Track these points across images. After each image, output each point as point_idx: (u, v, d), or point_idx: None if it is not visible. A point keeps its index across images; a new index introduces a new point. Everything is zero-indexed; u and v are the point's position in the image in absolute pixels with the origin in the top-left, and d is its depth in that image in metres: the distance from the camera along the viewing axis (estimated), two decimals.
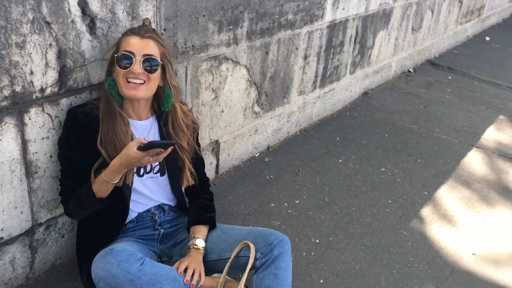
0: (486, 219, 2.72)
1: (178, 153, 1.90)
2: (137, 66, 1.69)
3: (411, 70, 5.01)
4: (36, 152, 1.82)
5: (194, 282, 1.72)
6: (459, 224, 2.65)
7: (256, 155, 3.09)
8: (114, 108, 1.76)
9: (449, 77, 4.95)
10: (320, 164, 3.08)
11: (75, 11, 1.77)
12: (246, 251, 1.85)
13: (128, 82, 1.71)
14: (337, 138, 3.43)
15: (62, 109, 1.85)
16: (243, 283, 1.74)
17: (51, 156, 1.87)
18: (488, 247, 2.49)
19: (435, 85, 4.69)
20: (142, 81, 1.72)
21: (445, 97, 4.41)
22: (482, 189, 3.01)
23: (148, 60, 1.71)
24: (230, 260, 1.85)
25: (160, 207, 2.01)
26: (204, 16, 2.34)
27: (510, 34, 7.11)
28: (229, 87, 2.67)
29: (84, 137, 1.75)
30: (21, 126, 1.74)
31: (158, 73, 1.75)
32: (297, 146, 3.27)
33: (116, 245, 1.74)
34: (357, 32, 3.73)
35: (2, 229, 1.80)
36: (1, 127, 1.67)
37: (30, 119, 1.76)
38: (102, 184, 1.70)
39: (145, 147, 1.59)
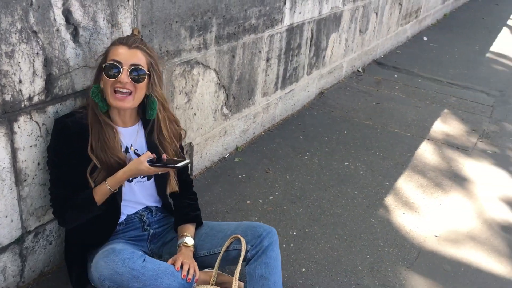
0: (443, 204, 2.96)
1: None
2: (124, 76, 1.74)
3: (360, 70, 5.27)
4: (25, 160, 1.83)
5: (190, 276, 1.79)
6: (420, 209, 2.87)
7: (226, 156, 3.19)
8: (101, 116, 1.81)
9: (396, 76, 5.26)
10: (288, 161, 3.22)
11: (60, 20, 1.81)
12: (236, 245, 1.94)
13: (116, 92, 1.75)
14: (300, 136, 3.59)
15: (49, 117, 1.88)
16: (238, 274, 1.83)
17: (39, 164, 1.89)
18: (448, 229, 2.72)
19: (383, 83, 4.97)
20: (129, 91, 1.76)
21: (394, 94, 4.69)
22: (436, 177, 3.26)
23: (135, 70, 1.75)
24: (221, 254, 1.94)
25: (147, 208, 2.07)
26: (176, 22, 2.42)
27: (444, 34, 7.58)
28: (200, 90, 2.76)
29: (75, 145, 1.78)
30: (10, 135, 1.75)
31: (145, 82, 1.80)
32: (264, 145, 3.40)
33: (116, 245, 1.80)
34: (312, 35, 3.92)
35: None
36: None
37: (19, 127, 1.78)
38: (104, 194, 1.77)
39: (158, 165, 1.74)
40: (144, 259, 1.70)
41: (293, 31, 3.60)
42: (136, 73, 1.76)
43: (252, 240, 1.91)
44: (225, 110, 3.06)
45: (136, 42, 1.80)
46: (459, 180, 3.27)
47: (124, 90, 1.76)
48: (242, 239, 1.90)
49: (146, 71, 1.78)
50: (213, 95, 2.89)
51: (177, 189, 2.04)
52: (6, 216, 1.82)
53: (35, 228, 1.96)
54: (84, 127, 1.80)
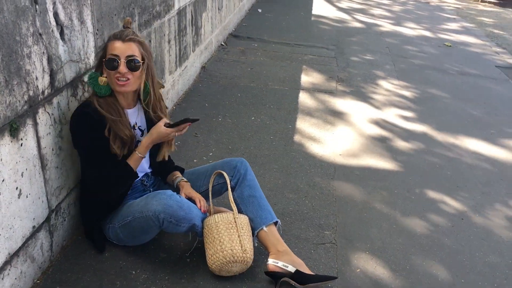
0: (334, 133, 3.82)
1: None
2: (123, 67, 2.11)
3: (223, 43, 5.92)
4: (45, 147, 2.10)
5: (204, 209, 2.30)
6: (321, 140, 3.69)
7: None
8: (113, 102, 2.17)
9: (254, 44, 6.04)
10: (208, 125, 3.75)
11: (53, 21, 2.09)
12: (218, 180, 2.45)
13: (118, 80, 2.13)
14: (206, 104, 4.13)
15: (55, 107, 2.16)
16: (232, 198, 2.36)
17: (52, 149, 2.16)
18: (346, 149, 3.58)
19: (247, 52, 5.71)
20: (127, 78, 2.13)
21: (260, 59, 5.46)
22: (320, 116, 4.12)
23: (131, 61, 2.12)
24: (210, 189, 2.44)
25: (145, 174, 2.47)
26: (115, 15, 2.76)
27: (271, 5, 8.63)
28: None
29: (99, 130, 2.13)
30: (35, 126, 2.02)
31: (140, 70, 2.17)
32: (181, 117, 3.85)
33: (143, 196, 2.22)
34: (192, 16, 4.43)
35: (34, 218, 2.06)
36: (25, 128, 1.95)
37: (39, 118, 2.04)
38: (137, 161, 2.18)
39: (172, 125, 2.17)
40: (179, 196, 2.16)
41: (181, 14, 4.08)
42: (132, 63, 2.13)
43: (230, 172, 2.44)
44: None
45: (129, 35, 2.16)
46: (337, 114, 4.18)
47: (124, 78, 2.13)
48: (223, 173, 2.42)
49: (140, 60, 2.16)
50: None
51: (166, 158, 2.46)
52: (39, 198, 2.09)
53: (56, 207, 2.24)
54: (101, 114, 2.13)
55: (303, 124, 3.92)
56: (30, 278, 2.09)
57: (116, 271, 2.23)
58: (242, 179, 2.42)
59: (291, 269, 2.17)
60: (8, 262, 1.90)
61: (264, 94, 4.47)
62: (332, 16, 8.27)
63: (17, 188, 1.92)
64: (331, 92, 4.66)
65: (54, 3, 2.09)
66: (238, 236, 2.17)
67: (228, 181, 2.38)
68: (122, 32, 2.18)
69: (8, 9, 1.77)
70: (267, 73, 5.03)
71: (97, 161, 2.14)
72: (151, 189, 2.47)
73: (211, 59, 5.27)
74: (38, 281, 2.12)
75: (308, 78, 4.99)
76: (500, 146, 3.88)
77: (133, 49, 2.15)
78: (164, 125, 2.20)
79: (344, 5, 9.53)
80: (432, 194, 3.09)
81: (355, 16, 8.56)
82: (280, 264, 2.19)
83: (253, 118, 3.95)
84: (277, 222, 2.35)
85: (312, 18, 7.98)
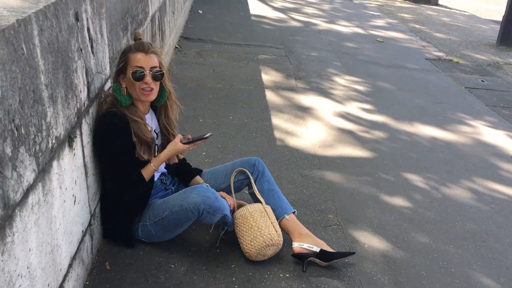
0: (308, 127, 4.15)
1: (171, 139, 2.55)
2: (148, 78, 2.31)
3: (177, 46, 6.06)
4: (87, 155, 2.22)
5: (232, 206, 2.53)
6: (298, 133, 4.00)
7: None
8: (135, 110, 2.35)
9: (208, 46, 6.23)
10: (192, 127, 3.92)
11: (87, 36, 2.21)
12: (239, 177, 2.71)
13: (143, 90, 2.31)
14: (183, 107, 4.26)
15: (90, 117, 2.28)
16: (257, 191, 2.62)
17: (91, 157, 2.28)
18: (322, 140, 3.92)
19: (204, 54, 5.89)
20: (152, 88, 2.34)
21: (218, 61, 5.68)
22: (290, 112, 4.43)
23: (155, 72, 2.33)
24: (232, 185, 2.67)
25: (162, 173, 2.64)
26: (118, 26, 2.88)
27: (209, 6, 8.82)
28: None
29: (126, 137, 2.29)
30: (81, 136, 2.14)
31: (163, 79, 2.39)
32: None
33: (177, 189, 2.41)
34: (159, 21, 4.56)
35: (83, 223, 2.18)
36: (76, 138, 2.06)
37: (83, 129, 2.16)
38: (150, 172, 2.36)
39: (189, 142, 2.40)
40: (214, 190, 2.38)
41: (153, 20, 4.21)
42: (156, 74, 2.33)
43: (250, 169, 2.70)
44: None
45: (150, 47, 2.35)
46: (304, 110, 4.51)
47: (149, 88, 2.33)
48: (245, 170, 2.68)
49: (162, 70, 2.36)
50: None
51: (177, 160, 2.65)
52: (85, 204, 2.21)
53: (93, 212, 2.36)
54: (126, 121, 2.29)
55: (278, 120, 4.21)
56: (83, 280, 2.20)
57: (156, 266, 2.39)
58: (261, 175, 2.68)
59: (316, 249, 2.46)
60: (70, 265, 2.02)
61: (232, 94, 4.70)
62: (271, 16, 8.63)
63: (73, 195, 2.04)
64: (293, 90, 4.99)
65: (87, 19, 2.21)
66: (271, 223, 2.43)
67: (251, 177, 2.64)
68: (142, 44, 2.36)
69: (64, 28, 1.89)
70: (229, 73, 5.26)
71: (119, 167, 2.30)
72: (172, 188, 2.65)
73: (171, 62, 5.40)
74: (88, 282, 2.24)
75: (268, 77, 5.29)
76: (449, 130, 4.42)
77: (155, 61, 2.36)
78: (185, 142, 2.40)
79: (277, 4, 9.93)
80: (406, 175, 3.52)
81: (291, 15, 8.98)
82: (305, 245, 2.47)
83: (231, 117, 4.17)
84: (294, 211, 2.63)
85: (252, 18, 8.28)
